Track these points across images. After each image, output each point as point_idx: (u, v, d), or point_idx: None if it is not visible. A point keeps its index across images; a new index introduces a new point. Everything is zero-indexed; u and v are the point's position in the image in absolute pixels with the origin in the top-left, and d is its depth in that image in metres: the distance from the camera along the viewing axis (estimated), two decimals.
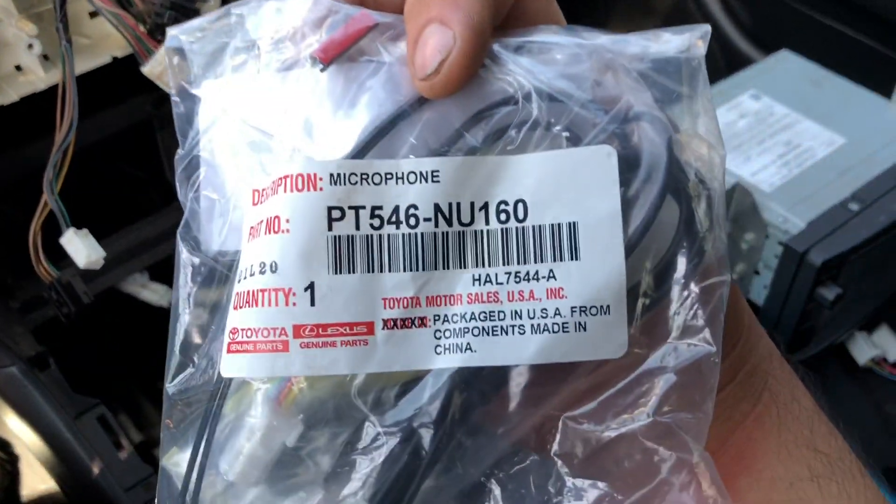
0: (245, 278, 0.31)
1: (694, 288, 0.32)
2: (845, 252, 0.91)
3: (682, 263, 0.31)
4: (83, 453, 0.77)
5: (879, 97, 1.09)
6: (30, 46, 0.74)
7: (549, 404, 0.32)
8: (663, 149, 0.31)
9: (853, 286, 0.95)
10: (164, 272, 0.92)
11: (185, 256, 0.34)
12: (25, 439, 0.77)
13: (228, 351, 0.31)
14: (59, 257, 0.75)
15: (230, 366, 0.31)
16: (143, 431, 0.90)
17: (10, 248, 0.84)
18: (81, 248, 0.70)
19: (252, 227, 0.31)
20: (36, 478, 0.78)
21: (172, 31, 0.35)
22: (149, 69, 0.72)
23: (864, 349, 1.04)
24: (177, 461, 0.33)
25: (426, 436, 0.31)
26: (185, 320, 0.34)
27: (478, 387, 0.31)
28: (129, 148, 0.94)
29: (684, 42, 0.33)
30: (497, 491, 0.33)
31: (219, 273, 0.33)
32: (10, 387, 0.77)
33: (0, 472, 0.79)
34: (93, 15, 0.79)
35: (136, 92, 0.89)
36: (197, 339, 0.33)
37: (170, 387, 0.33)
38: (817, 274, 0.92)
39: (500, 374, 0.31)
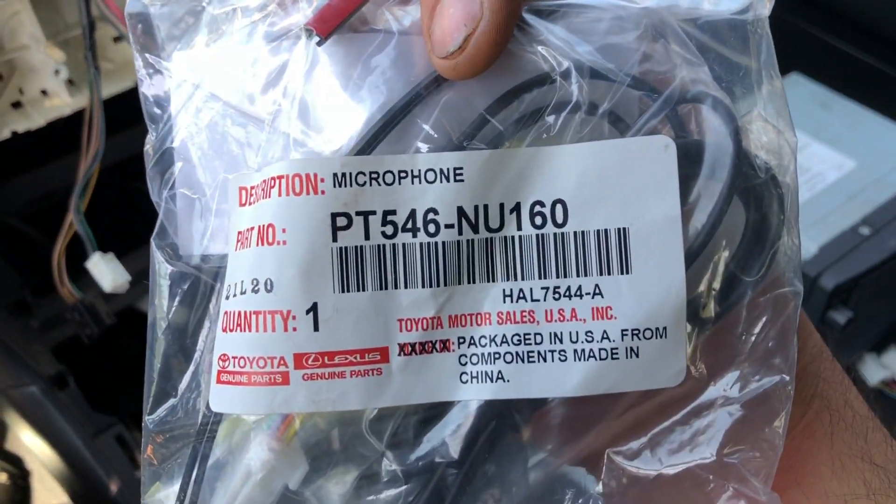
0: (234, 296, 0.26)
1: (762, 303, 0.27)
2: (857, 276, 0.89)
3: (749, 274, 0.27)
4: (101, 472, 0.76)
5: (889, 120, 1.07)
6: (56, 72, 0.74)
7: (590, 436, 0.27)
8: (729, 139, 0.26)
9: (864, 309, 0.95)
10: None
11: (161, 266, 0.28)
12: (41, 455, 0.76)
13: (218, 381, 0.26)
14: (78, 276, 0.74)
15: (220, 399, 0.26)
16: None
17: (30, 267, 0.85)
18: (107, 271, 0.70)
19: (240, 233, 0.26)
20: (48, 493, 0.78)
21: None
22: None
23: (874, 371, 1.03)
24: (160, 500, 0.29)
25: (450, 473, 0.26)
26: (164, 342, 0.29)
27: (509, 416, 0.27)
28: (145, 168, 0.95)
29: (743, 1, 0.27)
30: None
31: (203, 284, 0.28)
32: (29, 406, 0.76)
33: (12, 486, 0.79)
34: (117, 40, 0.78)
35: None
36: (179, 365, 0.28)
37: (149, 419, 0.28)
38: (829, 298, 0.91)
39: (534, 403, 0.27)
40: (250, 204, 0.26)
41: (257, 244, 0.26)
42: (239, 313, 0.26)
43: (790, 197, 0.27)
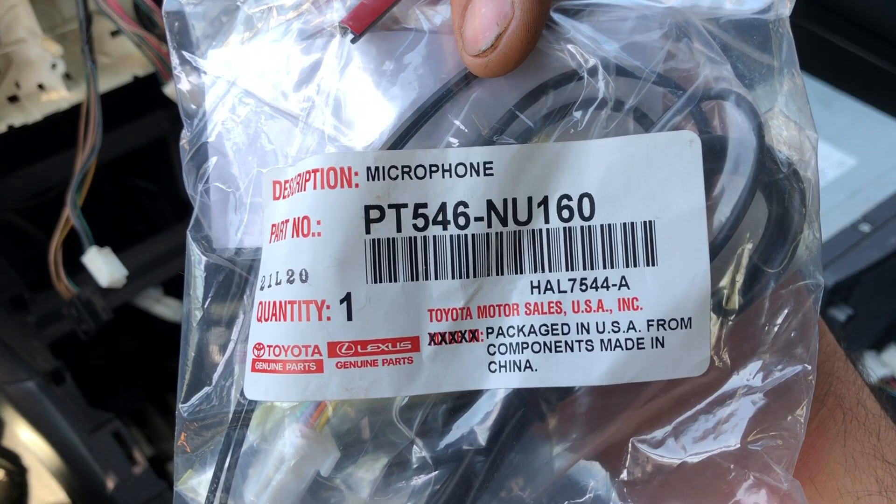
0: (270, 286, 0.27)
1: (784, 295, 0.28)
2: (857, 273, 0.89)
3: (771, 267, 0.27)
4: (98, 468, 0.76)
5: (890, 118, 1.07)
6: (53, 66, 0.74)
7: (615, 426, 0.28)
8: (752, 135, 0.27)
9: (864, 307, 0.96)
10: (179, 287, 0.93)
11: (197, 258, 0.29)
12: (38, 452, 0.76)
13: (253, 369, 0.27)
14: (75, 271, 0.74)
15: (255, 387, 0.27)
16: (155, 445, 0.91)
17: (26, 263, 0.85)
18: (104, 266, 0.70)
19: (275, 225, 0.27)
20: (45, 490, 0.78)
21: None
22: (171, 90, 0.71)
23: (873, 369, 1.05)
24: (193, 486, 0.29)
25: (477, 460, 0.27)
26: (199, 332, 0.29)
27: (535, 405, 0.27)
28: (144, 164, 0.94)
29: (765, 1, 0.28)
30: None
31: (237, 276, 0.29)
32: (26, 401, 0.76)
33: (9, 483, 0.80)
34: (114, 34, 0.78)
35: (152, 108, 0.90)
36: (213, 354, 0.29)
37: (183, 407, 0.29)
38: (829, 295, 0.92)
39: (561, 392, 0.27)
40: (284, 197, 0.27)
41: (292, 236, 0.27)
42: (274, 303, 0.27)
43: (811, 191, 0.28)
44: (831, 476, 0.33)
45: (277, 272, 0.27)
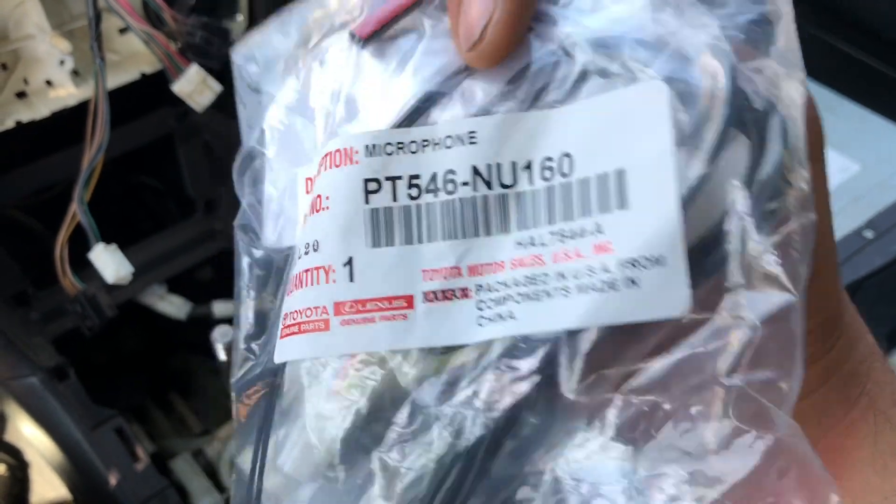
0: (295, 262, 0.30)
1: (772, 232, 0.28)
2: (860, 280, 0.90)
3: (756, 206, 0.27)
4: (100, 465, 0.77)
5: (894, 124, 1.09)
6: (61, 62, 0.76)
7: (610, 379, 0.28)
8: (725, 79, 0.27)
9: (866, 313, 0.97)
10: (183, 284, 0.94)
11: (244, 247, 0.33)
12: (40, 447, 0.77)
13: (282, 336, 0.30)
14: (80, 268, 0.76)
15: (283, 350, 0.30)
16: (157, 442, 0.92)
17: (31, 259, 0.86)
18: (110, 263, 0.71)
19: (305, 215, 0.30)
20: (47, 486, 0.78)
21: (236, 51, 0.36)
22: (179, 87, 0.73)
23: None
24: (246, 458, 0.32)
25: (487, 421, 0.28)
26: (247, 313, 0.33)
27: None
28: (149, 161, 0.95)
29: None
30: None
31: (276, 265, 0.32)
32: (29, 397, 0.77)
33: (10, 478, 0.80)
34: (122, 31, 0.80)
35: (159, 106, 0.91)
36: (258, 331, 0.33)
37: (235, 381, 0.32)
38: None
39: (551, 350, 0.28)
40: (309, 191, 0.31)
41: (311, 214, 0.30)
42: (297, 275, 0.30)
43: (795, 127, 0.28)
44: (859, 474, 0.33)
45: (301, 249, 0.30)
